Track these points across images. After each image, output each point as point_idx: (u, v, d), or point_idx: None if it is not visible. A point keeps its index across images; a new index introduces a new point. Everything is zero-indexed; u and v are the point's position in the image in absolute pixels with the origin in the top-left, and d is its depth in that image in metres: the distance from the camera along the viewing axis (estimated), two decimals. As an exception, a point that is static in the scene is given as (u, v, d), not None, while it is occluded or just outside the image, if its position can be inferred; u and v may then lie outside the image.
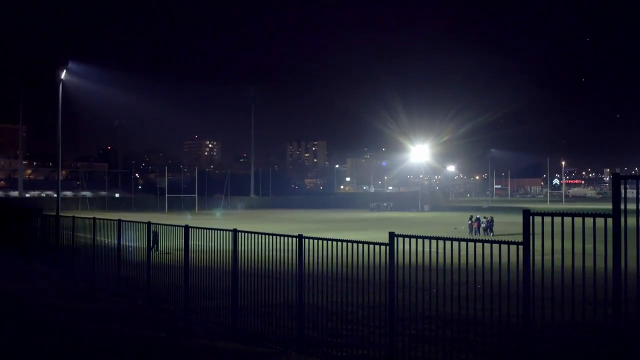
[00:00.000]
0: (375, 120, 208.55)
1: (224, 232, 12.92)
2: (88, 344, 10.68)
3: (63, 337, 11.15)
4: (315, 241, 10.61)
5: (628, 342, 7.19)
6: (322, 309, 10.52)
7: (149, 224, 16.21)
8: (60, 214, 25.14)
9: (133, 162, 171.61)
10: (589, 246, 7.36)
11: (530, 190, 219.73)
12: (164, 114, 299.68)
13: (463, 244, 8.57)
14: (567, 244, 7.48)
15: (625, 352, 7.15)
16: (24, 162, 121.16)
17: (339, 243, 10.19)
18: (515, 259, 7.92)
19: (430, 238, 8.97)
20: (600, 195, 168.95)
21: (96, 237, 18.88)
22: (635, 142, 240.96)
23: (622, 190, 7.21)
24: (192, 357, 10.32)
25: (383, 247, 9.47)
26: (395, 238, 9.34)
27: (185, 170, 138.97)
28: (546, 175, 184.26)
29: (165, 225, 15.69)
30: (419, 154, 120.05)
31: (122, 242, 17.18)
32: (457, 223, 54.56)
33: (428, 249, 8.92)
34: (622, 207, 7.12)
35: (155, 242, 16.82)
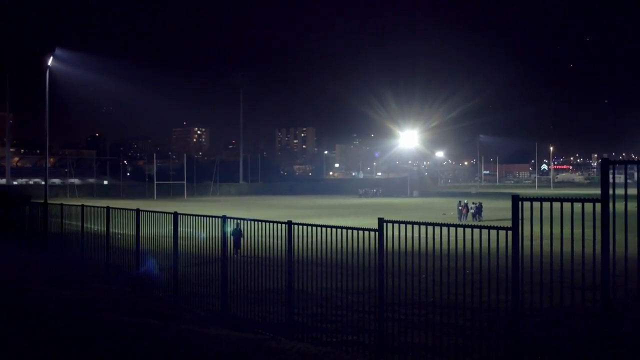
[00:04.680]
0: (364, 107, 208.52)
1: (213, 218, 12.89)
2: (77, 332, 10.63)
3: (52, 326, 11.09)
4: (305, 227, 10.61)
5: (616, 326, 7.24)
6: (311, 295, 10.53)
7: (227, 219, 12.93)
8: (49, 201, 24.95)
9: (121, 149, 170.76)
10: (577, 231, 7.39)
11: (519, 175, 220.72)
12: (153, 101, 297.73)
13: (452, 229, 8.58)
14: (556, 229, 7.50)
15: (613, 337, 7.20)
16: (11, 150, 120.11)
17: (329, 229, 10.18)
18: (504, 244, 7.94)
19: (419, 224, 8.98)
20: (588, 181, 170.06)
21: (85, 225, 18.79)
22: (623, 127, 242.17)
23: (611, 176, 7.22)
24: (183, 343, 10.31)
25: (372, 233, 9.46)
26: (385, 224, 9.34)
27: (174, 157, 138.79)
28: (534, 161, 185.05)
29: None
30: (408, 139, 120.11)
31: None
32: (446, 209, 54.68)
33: (417, 235, 8.94)
34: (611, 192, 7.14)
35: (238, 241, 14.36)
